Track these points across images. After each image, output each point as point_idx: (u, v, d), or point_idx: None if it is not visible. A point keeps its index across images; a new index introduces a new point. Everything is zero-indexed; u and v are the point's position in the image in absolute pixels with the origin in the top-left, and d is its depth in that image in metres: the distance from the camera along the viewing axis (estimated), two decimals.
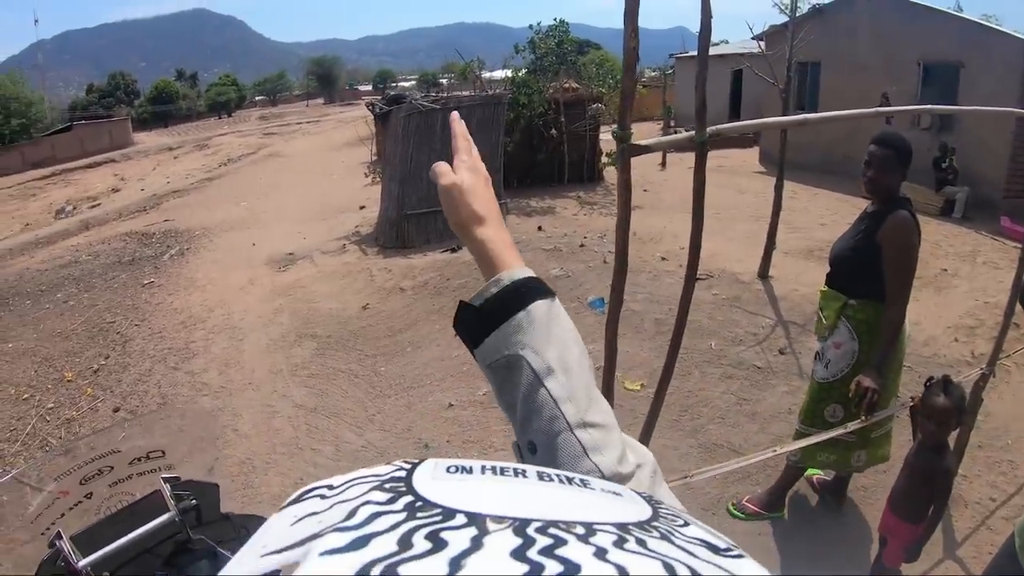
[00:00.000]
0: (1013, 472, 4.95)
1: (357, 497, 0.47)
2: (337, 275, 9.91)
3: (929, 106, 5.11)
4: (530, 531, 0.42)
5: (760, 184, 14.63)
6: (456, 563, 0.37)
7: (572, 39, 17.03)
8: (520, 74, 15.63)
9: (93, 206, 21.35)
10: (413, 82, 70.58)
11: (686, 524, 0.51)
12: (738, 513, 4.52)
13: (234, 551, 2.14)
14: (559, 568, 0.38)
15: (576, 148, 15.38)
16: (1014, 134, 12.73)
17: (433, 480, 0.50)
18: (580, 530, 0.43)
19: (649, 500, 0.56)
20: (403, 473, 0.52)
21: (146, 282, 10.43)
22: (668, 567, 0.40)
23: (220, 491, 2.33)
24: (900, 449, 4.68)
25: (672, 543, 0.45)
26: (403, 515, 0.43)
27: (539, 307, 0.87)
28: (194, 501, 2.16)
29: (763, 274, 8.75)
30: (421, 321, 7.89)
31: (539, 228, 11.48)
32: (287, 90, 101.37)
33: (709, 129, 2.55)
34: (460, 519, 0.43)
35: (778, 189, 8.84)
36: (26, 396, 7.01)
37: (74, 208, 21.84)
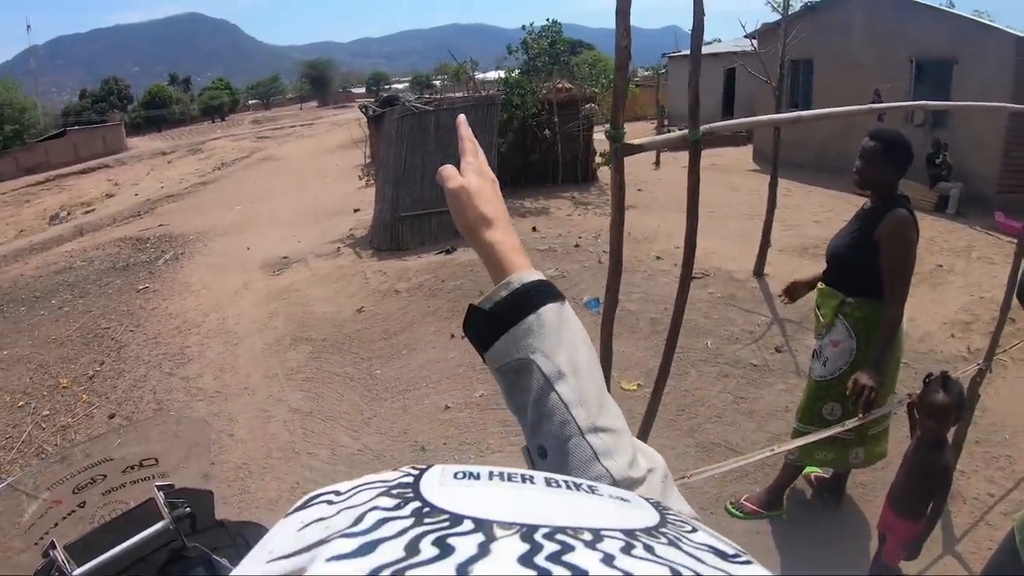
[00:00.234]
0: (1011, 467, 4.96)
1: (364, 503, 0.47)
2: (332, 278, 9.90)
3: (921, 102, 5.10)
4: (537, 537, 0.42)
5: (754, 182, 14.65)
6: (464, 569, 0.37)
7: (565, 39, 17.04)
8: (513, 75, 15.65)
9: (87, 212, 21.38)
10: (407, 84, 70.68)
11: (694, 530, 0.51)
12: (737, 512, 4.52)
13: (230, 558, 2.14)
14: (566, 574, 0.38)
15: (570, 148, 15.38)
16: (1007, 129, 12.77)
17: (440, 486, 0.50)
18: (587, 536, 0.43)
19: (657, 506, 0.56)
20: (410, 479, 0.52)
21: (141, 287, 10.42)
22: (675, 573, 0.40)
23: (215, 498, 2.32)
24: (898, 445, 4.68)
25: (680, 549, 0.44)
26: (410, 521, 0.43)
27: (549, 310, 0.87)
28: (188, 509, 2.15)
29: (758, 272, 8.76)
30: (416, 323, 7.89)
31: (533, 229, 11.48)
32: (280, 93, 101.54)
33: (702, 128, 2.55)
34: (467, 525, 0.43)
35: (772, 187, 8.85)
36: (21, 403, 6.99)
37: (68, 214, 21.84)
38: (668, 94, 28.20)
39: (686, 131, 2.52)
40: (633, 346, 6.89)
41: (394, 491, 0.49)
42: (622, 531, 0.45)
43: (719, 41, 32.44)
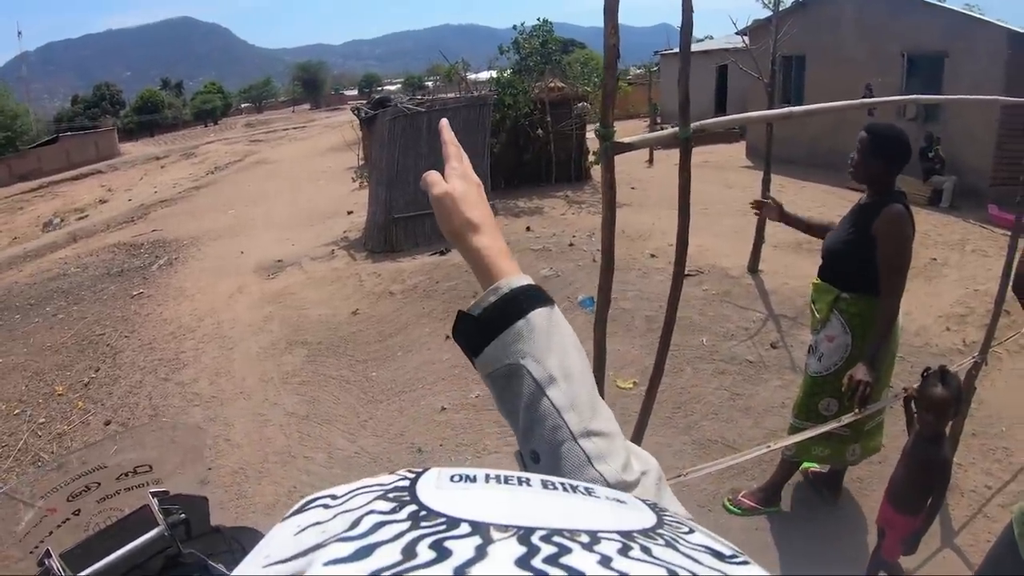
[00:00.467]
0: (1008, 459, 4.97)
1: (361, 507, 0.47)
2: (326, 281, 9.90)
3: (912, 96, 5.13)
4: (534, 540, 0.42)
5: (747, 178, 14.66)
6: (461, 571, 0.37)
7: (556, 38, 17.02)
8: (505, 75, 15.64)
9: (81, 218, 21.31)
10: (399, 85, 70.68)
11: (691, 531, 0.51)
12: (734, 508, 4.52)
13: (226, 564, 2.14)
14: None
15: (563, 147, 15.40)
16: (999, 122, 12.78)
17: (437, 489, 0.50)
18: (584, 538, 0.43)
19: (654, 507, 0.56)
20: (407, 483, 0.52)
21: (135, 293, 10.40)
22: (673, 574, 0.40)
23: (209, 504, 2.32)
24: (895, 440, 4.70)
25: (677, 550, 0.45)
26: (407, 524, 0.43)
27: (539, 315, 0.86)
28: (183, 515, 2.15)
29: (752, 268, 8.77)
30: (411, 325, 7.88)
31: (527, 228, 11.49)
32: (273, 96, 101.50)
33: (693, 125, 2.55)
34: (464, 528, 0.43)
35: (765, 183, 8.85)
36: (17, 411, 6.98)
37: (62, 220, 21.80)
38: (660, 92, 28.24)
39: (676, 129, 2.52)
40: (628, 344, 6.89)
41: (391, 495, 0.49)
42: (619, 533, 0.45)
43: (711, 38, 32.52)
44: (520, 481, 0.54)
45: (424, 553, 0.39)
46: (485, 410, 5.89)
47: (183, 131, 64.32)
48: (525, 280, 0.90)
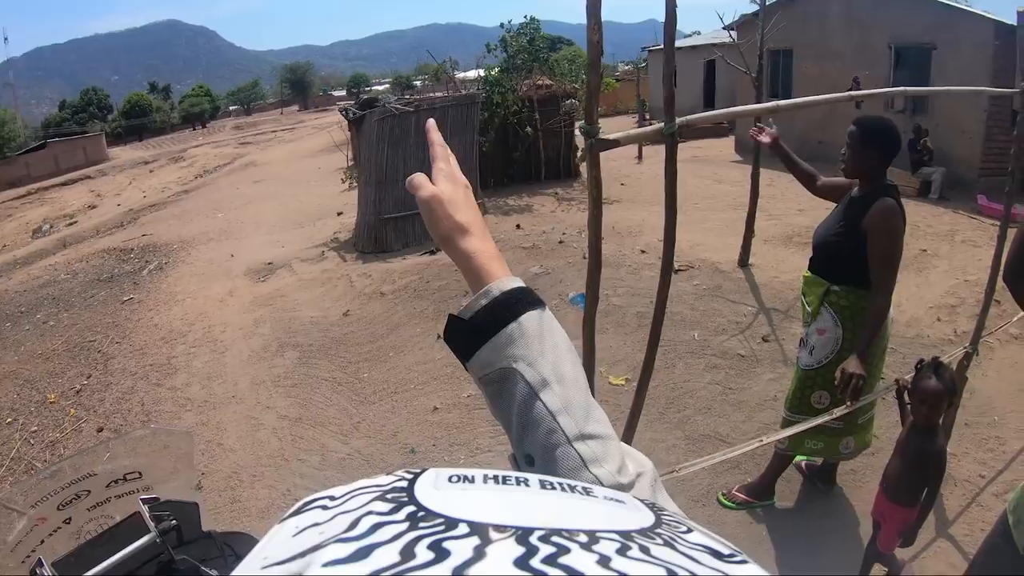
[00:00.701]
0: (1001, 448, 4.99)
1: (359, 508, 0.47)
2: (317, 283, 9.88)
3: (900, 88, 5.14)
4: (533, 540, 0.42)
5: (737, 173, 14.70)
6: (459, 572, 0.38)
7: (544, 36, 17.03)
8: (493, 73, 15.64)
9: (70, 224, 21.27)
10: (387, 85, 70.63)
11: (689, 530, 0.51)
12: (728, 503, 4.53)
13: (218, 569, 2.13)
14: None
15: (552, 145, 15.40)
16: (987, 113, 12.86)
17: (435, 490, 0.50)
18: (583, 538, 0.43)
19: (652, 507, 0.56)
20: (405, 483, 0.52)
21: (126, 299, 10.37)
22: (671, 574, 0.40)
23: (201, 509, 2.31)
24: (889, 431, 4.72)
25: (676, 550, 0.45)
26: (405, 525, 0.43)
27: (530, 318, 0.86)
28: (174, 521, 2.14)
29: (743, 262, 8.78)
30: (403, 325, 7.88)
31: (517, 226, 11.48)
32: (261, 98, 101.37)
33: (679, 120, 2.55)
34: (462, 528, 0.43)
35: (755, 177, 8.86)
36: (9, 420, 6.95)
37: (51, 227, 21.74)
38: (648, 88, 28.27)
39: (662, 124, 2.52)
40: (620, 341, 6.90)
41: (388, 495, 0.49)
42: (618, 532, 0.45)
43: (698, 34, 32.53)
44: (518, 481, 0.54)
45: (423, 554, 0.39)
46: (478, 409, 5.89)
47: (171, 135, 64.25)
48: (516, 282, 0.89)
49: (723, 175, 15.24)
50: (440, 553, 0.39)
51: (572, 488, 0.55)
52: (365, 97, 14.51)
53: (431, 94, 14.92)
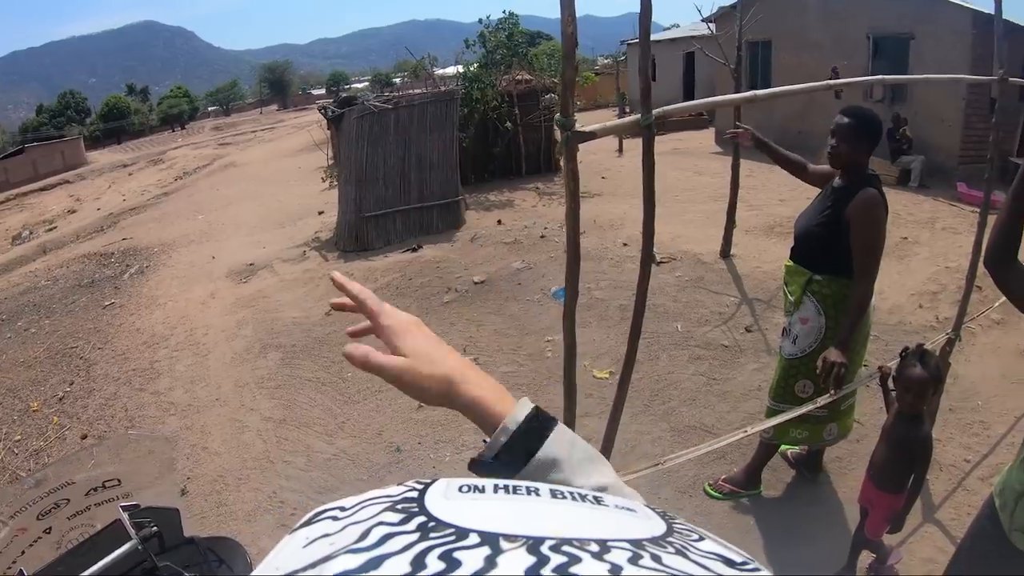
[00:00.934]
0: (985, 432, 5.04)
1: (369, 518, 0.47)
2: (299, 283, 9.85)
3: (878, 76, 5.19)
4: (544, 549, 0.42)
5: (717, 165, 14.73)
6: None
7: (522, 31, 17.02)
8: (472, 69, 15.62)
9: (50, 229, 21.14)
10: (366, 83, 70.53)
11: (701, 538, 0.51)
12: (715, 493, 4.55)
13: (202, 574, 2.12)
14: None
15: (532, 139, 15.43)
16: (966, 101, 12.97)
17: (445, 499, 0.51)
18: (594, 547, 0.43)
19: (663, 515, 0.56)
20: (415, 493, 0.52)
21: (107, 303, 10.30)
22: None
23: (181, 515, 2.30)
24: (873, 417, 4.76)
25: (687, 558, 0.45)
26: (416, 535, 0.44)
27: (552, 442, 0.83)
28: (155, 527, 2.13)
29: (725, 253, 8.82)
30: None
31: (499, 222, 11.49)
32: (240, 98, 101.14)
33: (655, 111, 2.55)
34: (473, 538, 0.43)
35: (735, 168, 8.89)
36: None
37: (31, 233, 21.60)
38: (628, 81, 28.32)
39: (639, 116, 2.51)
40: (604, 334, 6.91)
41: (399, 506, 0.49)
42: (629, 541, 0.45)
43: (677, 26, 32.61)
44: (529, 491, 0.54)
45: (433, 564, 0.39)
46: None
47: (150, 137, 63.98)
48: (525, 408, 0.86)
49: (703, 167, 15.29)
50: (451, 563, 0.39)
51: (583, 497, 0.55)
52: (344, 95, 14.49)
53: (410, 91, 14.88)
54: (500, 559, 0.40)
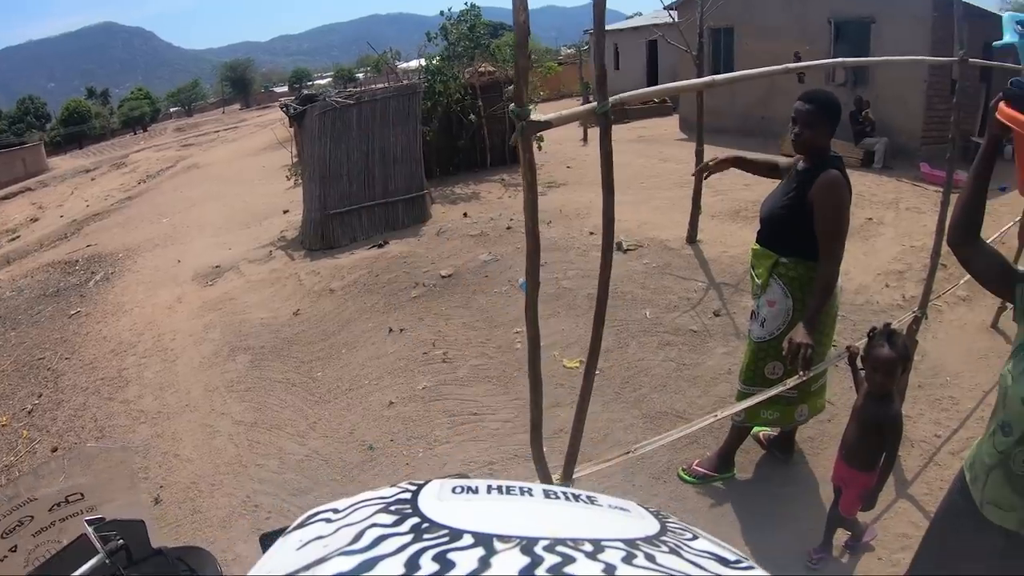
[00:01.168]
0: (955, 407, 5.13)
1: (363, 520, 0.47)
2: (265, 283, 9.78)
3: (840, 59, 5.26)
4: (538, 549, 0.42)
5: (682, 151, 14.76)
6: None
7: (484, 22, 16.98)
8: (434, 62, 15.56)
9: (12, 239, 20.80)
10: (329, 79, 70.07)
11: (695, 537, 0.52)
12: (689, 477, 4.59)
13: None
14: None
15: (496, 131, 15.36)
16: (927, 83, 13.14)
17: (439, 501, 0.51)
18: (588, 547, 0.43)
19: (657, 515, 0.56)
20: (408, 495, 0.52)
21: (72, 312, 10.17)
22: None
23: (148, 526, 2.28)
24: (843, 396, 4.81)
25: (681, 557, 0.45)
26: (410, 537, 0.44)
27: None
28: (121, 540, 2.11)
29: (691, 239, 8.85)
30: (354, 321, 7.84)
31: (464, 215, 11.45)
32: (202, 98, 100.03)
33: (612, 98, 2.54)
34: (467, 539, 0.43)
35: (699, 155, 8.91)
36: None
37: None
38: (591, 70, 28.33)
39: (595, 104, 2.51)
40: (573, 323, 6.93)
41: (392, 507, 0.49)
42: (623, 541, 0.46)
43: (639, 15, 32.64)
44: (522, 491, 0.54)
45: (427, 565, 0.39)
46: (433, 401, 5.91)
47: (112, 140, 63.13)
48: None
49: (668, 154, 15.33)
50: (445, 564, 0.39)
51: (576, 497, 0.55)
52: (307, 92, 14.40)
53: (372, 86, 14.81)
54: (494, 560, 0.40)
